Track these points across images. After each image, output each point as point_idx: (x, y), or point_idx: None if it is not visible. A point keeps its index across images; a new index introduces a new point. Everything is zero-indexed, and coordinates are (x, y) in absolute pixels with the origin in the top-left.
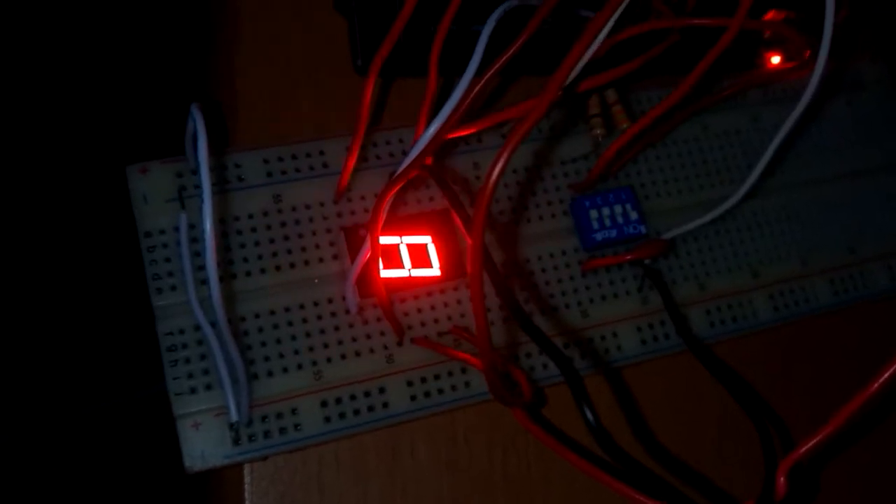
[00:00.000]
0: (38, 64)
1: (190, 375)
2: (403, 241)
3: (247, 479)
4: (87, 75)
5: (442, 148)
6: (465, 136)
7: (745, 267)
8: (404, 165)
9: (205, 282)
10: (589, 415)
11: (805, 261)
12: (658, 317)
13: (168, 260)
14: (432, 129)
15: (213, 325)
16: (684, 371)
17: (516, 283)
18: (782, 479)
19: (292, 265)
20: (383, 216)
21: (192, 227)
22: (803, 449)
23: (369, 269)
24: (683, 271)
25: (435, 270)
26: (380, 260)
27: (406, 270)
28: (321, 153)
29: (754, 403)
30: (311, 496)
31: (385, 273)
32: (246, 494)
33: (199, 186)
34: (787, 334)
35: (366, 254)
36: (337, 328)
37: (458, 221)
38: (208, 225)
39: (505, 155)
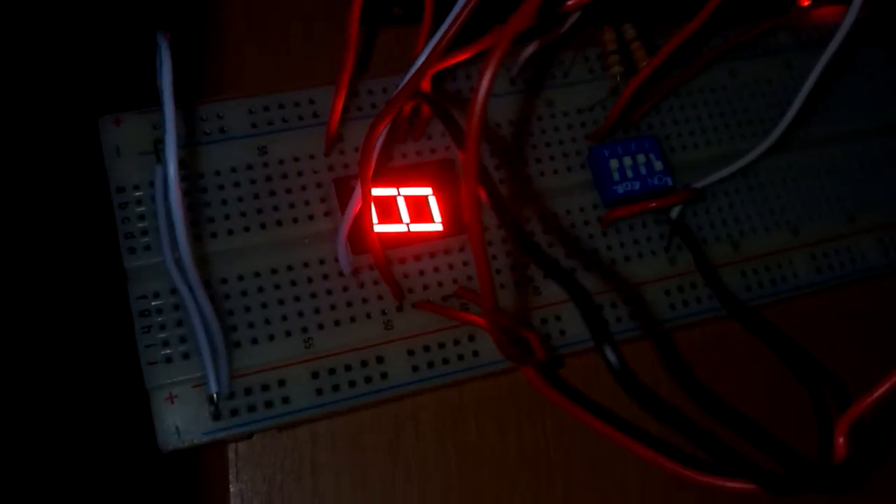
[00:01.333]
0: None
1: (165, 343)
2: (401, 193)
3: (231, 460)
4: (55, 16)
5: (442, 92)
6: (469, 84)
7: (784, 225)
8: (397, 92)
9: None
10: (611, 355)
11: (853, 217)
12: (688, 279)
13: (142, 218)
14: (427, 49)
15: (191, 288)
16: (717, 337)
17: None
18: (841, 439)
19: (279, 223)
20: (375, 155)
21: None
22: (865, 403)
23: (362, 221)
24: (715, 230)
25: (436, 225)
26: (373, 208)
27: (404, 225)
28: (310, 102)
29: (803, 362)
30: (303, 479)
31: (381, 227)
32: (230, 477)
33: (163, 121)
34: (832, 299)
35: (357, 202)
36: (329, 292)
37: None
38: (172, 168)
39: (502, 44)
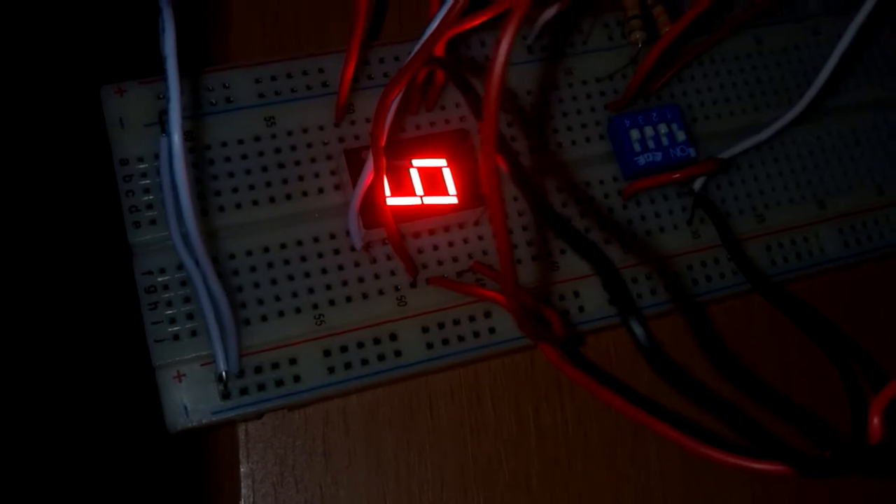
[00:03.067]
0: None
1: (172, 320)
2: (414, 165)
3: (241, 440)
4: None
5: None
6: (484, 52)
7: (810, 197)
8: (411, 57)
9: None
10: (637, 328)
11: (881, 189)
12: (712, 253)
13: (147, 191)
14: (442, 12)
15: (198, 263)
16: (742, 313)
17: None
18: (877, 419)
19: (288, 196)
20: (388, 123)
21: None
22: None
23: (374, 194)
24: (738, 203)
25: (451, 198)
26: (385, 180)
27: (418, 198)
28: (320, 71)
29: (832, 338)
30: (314, 459)
31: (394, 200)
32: (241, 458)
33: (166, 87)
34: (860, 273)
35: (369, 173)
36: (341, 267)
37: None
38: (176, 136)
39: (521, 5)
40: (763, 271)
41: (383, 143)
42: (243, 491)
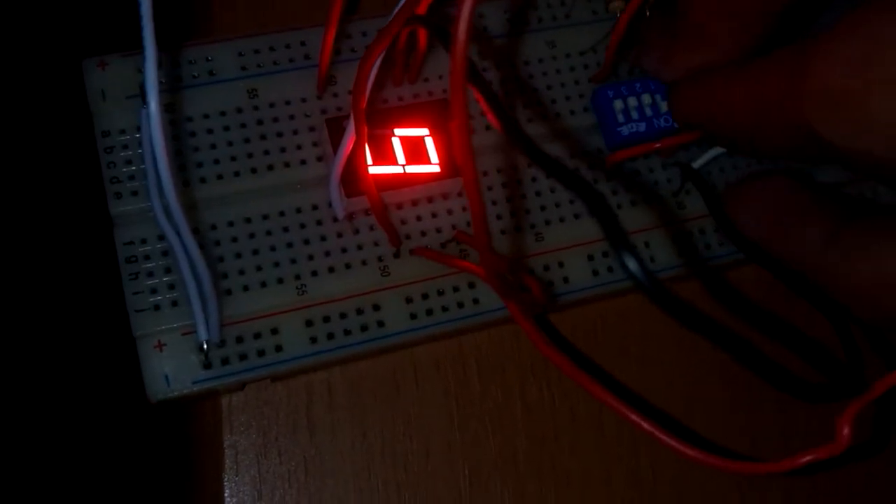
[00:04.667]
0: None
1: (153, 290)
2: (396, 134)
3: (224, 412)
4: None
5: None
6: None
7: (801, 168)
8: (391, 18)
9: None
10: (632, 264)
11: None
12: (697, 224)
13: (129, 162)
14: None
15: (179, 234)
16: (729, 288)
17: (534, 186)
18: (846, 429)
19: (270, 167)
20: (369, 87)
21: None
22: (877, 392)
23: (356, 162)
24: (725, 174)
25: (434, 166)
26: (367, 147)
27: (400, 167)
28: (302, 44)
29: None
30: (299, 432)
31: (376, 169)
32: (224, 430)
33: (143, 55)
34: None
35: (350, 139)
36: (323, 238)
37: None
38: (153, 104)
39: None
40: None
41: (364, 104)
42: (227, 462)
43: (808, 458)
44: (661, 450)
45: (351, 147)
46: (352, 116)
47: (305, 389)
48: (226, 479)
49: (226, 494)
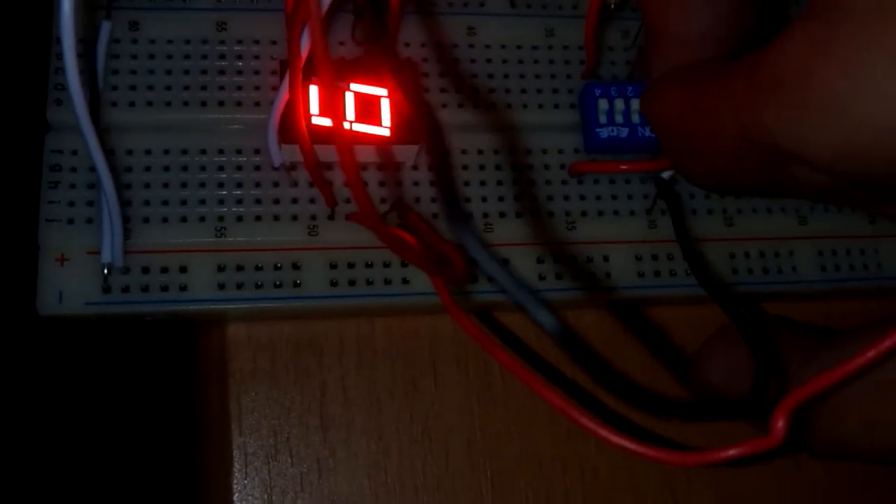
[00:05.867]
0: None
1: (71, 203)
2: (352, 89)
3: (233, 412)
4: None
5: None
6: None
7: (791, 210)
8: None
9: (114, 103)
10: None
11: (873, 218)
12: (666, 248)
13: (81, 72)
14: None
15: (113, 152)
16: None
17: (496, 175)
18: (781, 422)
19: (221, 104)
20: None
21: (116, 41)
22: (815, 387)
23: (292, 108)
24: (709, 201)
25: (383, 129)
26: (300, 90)
27: (347, 122)
28: None
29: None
30: (311, 432)
31: (319, 120)
32: (232, 429)
33: None
34: (837, 304)
35: (289, 83)
36: (258, 184)
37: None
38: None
39: None
40: (721, 278)
41: (297, 41)
42: (235, 465)
43: (736, 450)
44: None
45: (289, 89)
46: (287, 52)
47: (319, 387)
48: (234, 482)
49: (234, 498)
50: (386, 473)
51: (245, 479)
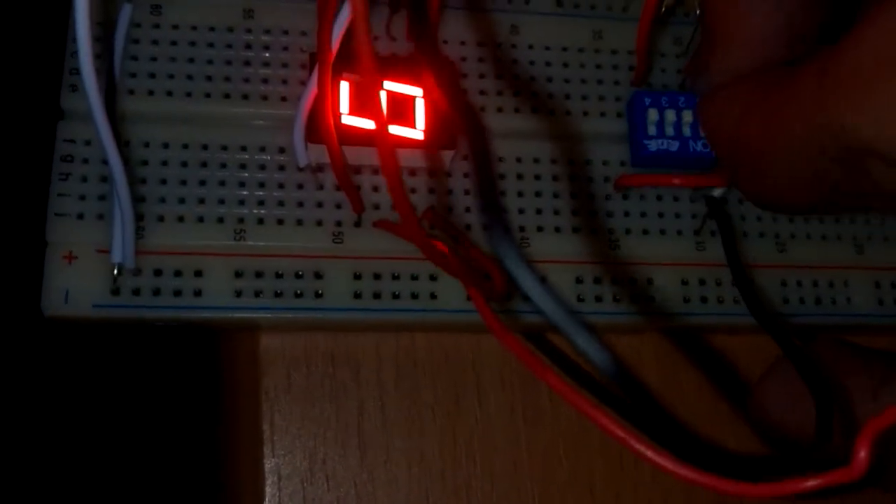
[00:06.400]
0: None
1: (81, 197)
2: (385, 87)
3: (266, 433)
4: None
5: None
6: None
7: (848, 238)
8: None
9: (132, 91)
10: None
11: None
12: (713, 272)
13: (98, 57)
14: None
15: (129, 144)
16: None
17: (535, 186)
18: (863, 452)
19: (245, 97)
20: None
21: (136, 25)
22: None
23: (321, 106)
24: (762, 223)
25: (417, 133)
26: (329, 86)
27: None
28: None
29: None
30: (349, 453)
31: (349, 120)
32: (265, 452)
33: None
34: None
35: (318, 79)
36: (282, 185)
37: None
38: None
39: None
40: (771, 305)
41: (329, 30)
42: (268, 489)
43: (815, 481)
44: None
45: (317, 86)
46: (317, 45)
47: (357, 407)
48: None
49: None
50: (428, 498)
51: None
